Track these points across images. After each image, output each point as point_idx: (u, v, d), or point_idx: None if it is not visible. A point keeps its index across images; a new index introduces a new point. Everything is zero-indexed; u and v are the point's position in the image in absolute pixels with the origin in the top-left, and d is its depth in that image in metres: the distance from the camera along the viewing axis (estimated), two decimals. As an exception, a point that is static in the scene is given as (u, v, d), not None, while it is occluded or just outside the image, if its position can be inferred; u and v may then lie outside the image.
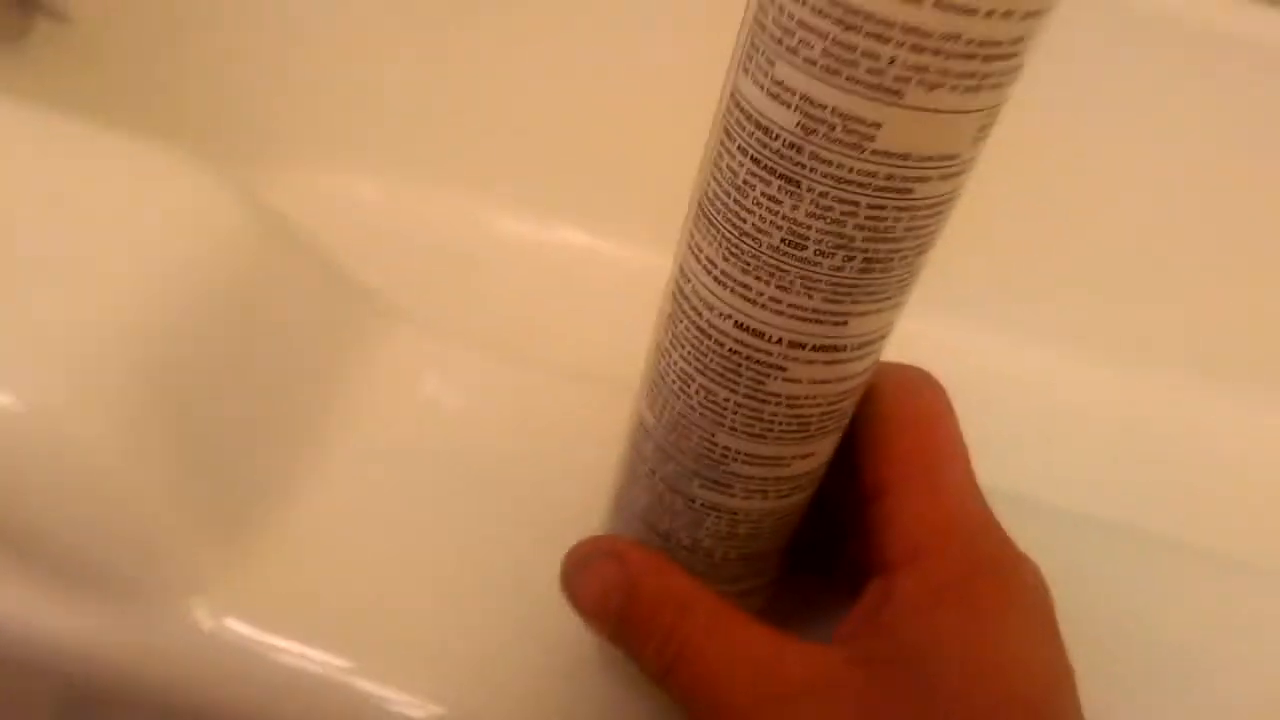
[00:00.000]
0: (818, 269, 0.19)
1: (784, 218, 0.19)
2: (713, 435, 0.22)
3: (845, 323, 0.20)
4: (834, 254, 0.19)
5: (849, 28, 0.16)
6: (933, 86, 0.17)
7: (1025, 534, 0.23)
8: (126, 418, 0.26)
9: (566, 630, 0.25)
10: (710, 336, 0.21)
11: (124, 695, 0.27)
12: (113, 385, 0.26)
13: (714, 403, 0.22)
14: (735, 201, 0.19)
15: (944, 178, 0.19)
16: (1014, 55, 0.17)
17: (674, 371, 0.22)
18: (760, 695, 0.21)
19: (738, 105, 0.19)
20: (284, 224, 0.32)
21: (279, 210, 0.32)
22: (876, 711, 0.20)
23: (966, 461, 0.23)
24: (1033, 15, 0.17)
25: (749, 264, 0.20)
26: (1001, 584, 0.22)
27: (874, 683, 0.21)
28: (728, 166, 0.19)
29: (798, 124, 0.18)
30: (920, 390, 0.24)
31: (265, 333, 0.30)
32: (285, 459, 0.29)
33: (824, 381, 0.21)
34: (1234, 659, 0.29)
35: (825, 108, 0.17)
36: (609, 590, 0.23)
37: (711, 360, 0.21)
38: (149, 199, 0.30)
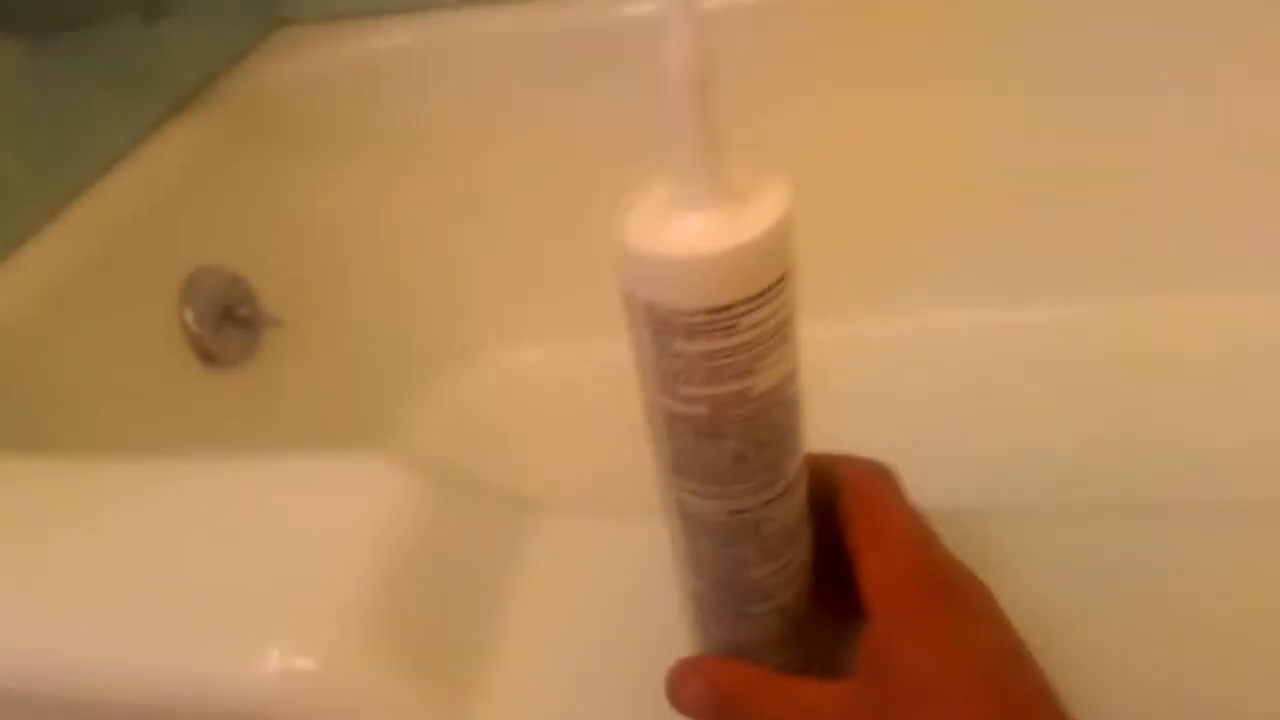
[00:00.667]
0: (759, 461, 0.30)
1: (727, 451, 0.30)
2: (748, 573, 0.33)
3: (786, 473, 0.31)
4: (763, 450, 0.30)
5: (718, 366, 0.28)
6: (766, 356, 0.28)
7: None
8: (385, 660, 0.38)
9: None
10: (720, 525, 0.32)
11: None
12: (370, 640, 0.38)
13: (737, 558, 0.33)
14: (693, 454, 0.30)
15: (794, 381, 0.30)
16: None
17: (705, 553, 0.33)
18: None
19: (669, 411, 0.29)
20: (449, 477, 0.44)
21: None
22: (884, 715, 0.29)
23: (910, 521, 0.32)
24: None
25: (719, 480, 0.31)
26: (945, 602, 0.31)
27: (875, 696, 0.30)
28: (680, 437, 0.30)
29: (710, 410, 0.29)
30: (869, 476, 0.33)
31: (457, 561, 0.42)
32: (484, 650, 0.40)
33: (790, 507, 0.32)
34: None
35: (720, 396, 0.28)
36: (700, 695, 0.33)
37: (727, 536, 0.32)
38: (358, 499, 0.43)
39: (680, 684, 0.34)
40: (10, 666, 0.41)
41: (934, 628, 0.29)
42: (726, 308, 0.27)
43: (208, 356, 0.80)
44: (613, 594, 0.41)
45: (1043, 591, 0.33)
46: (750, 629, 0.34)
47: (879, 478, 0.33)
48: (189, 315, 0.79)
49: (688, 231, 0.27)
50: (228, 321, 0.81)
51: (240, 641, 0.39)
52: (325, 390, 0.86)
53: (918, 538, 0.32)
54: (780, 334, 0.28)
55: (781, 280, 0.27)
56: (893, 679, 0.29)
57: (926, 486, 0.36)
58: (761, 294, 0.27)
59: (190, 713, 0.39)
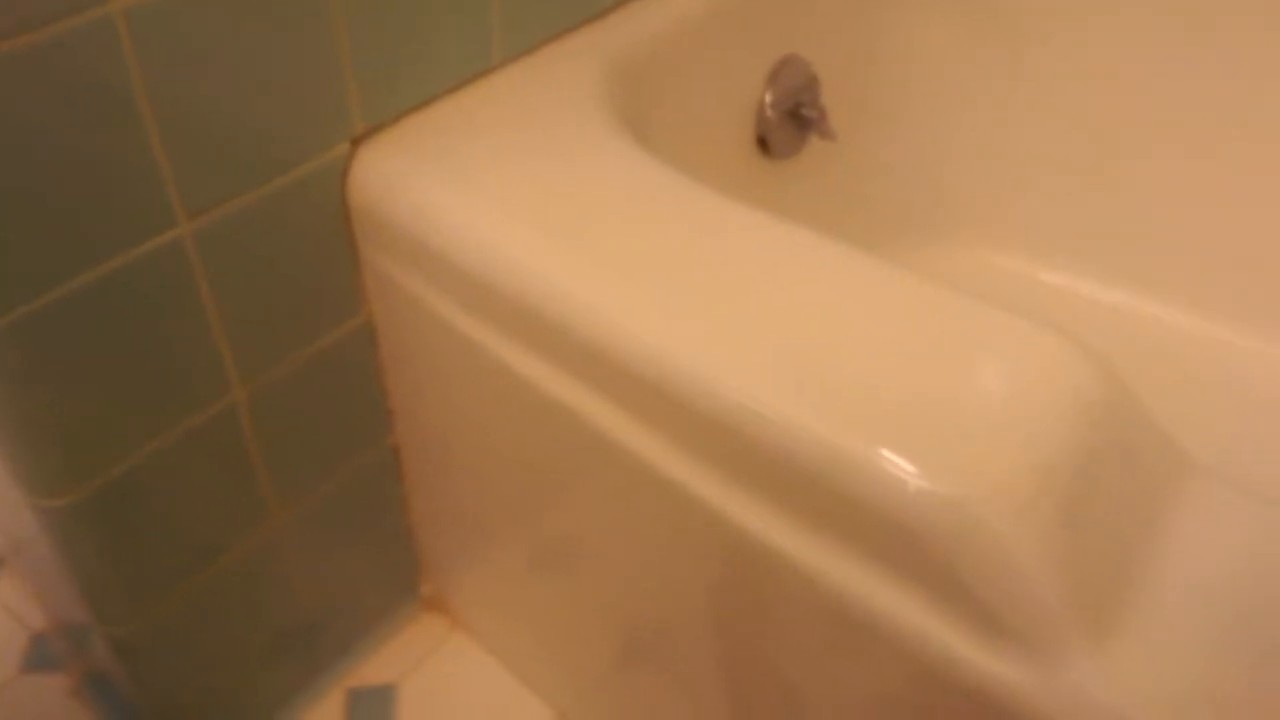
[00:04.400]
0: None
1: None
2: None
3: None
4: None
5: None
6: None
7: None
8: (1028, 514, 0.40)
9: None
10: None
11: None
12: (1021, 487, 0.40)
13: None
14: None
15: None
16: None
17: None
18: None
19: None
20: (1119, 382, 0.44)
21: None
22: None
23: None
24: None
25: None
26: None
27: None
28: None
29: None
30: None
31: (1109, 467, 0.42)
32: (1128, 572, 0.41)
33: None
34: None
35: None
36: None
37: None
38: (1029, 362, 0.44)
39: None
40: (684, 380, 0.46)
41: None
42: None
43: (762, 141, 0.83)
44: (1263, 582, 0.41)
45: None
46: None
47: None
48: (768, 97, 0.81)
49: None
50: (791, 117, 0.83)
51: (916, 455, 0.41)
52: (840, 217, 0.88)
53: None
54: None
55: None
56: None
57: None
58: None
59: (831, 494, 0.42)
